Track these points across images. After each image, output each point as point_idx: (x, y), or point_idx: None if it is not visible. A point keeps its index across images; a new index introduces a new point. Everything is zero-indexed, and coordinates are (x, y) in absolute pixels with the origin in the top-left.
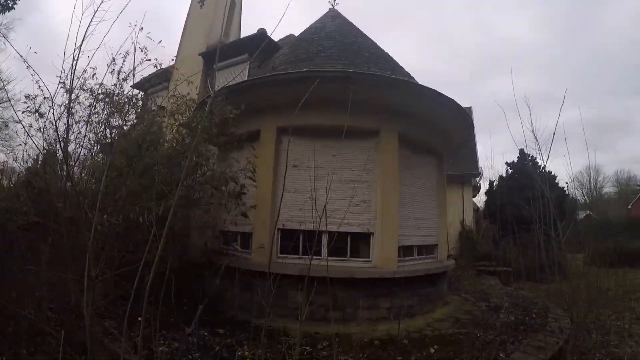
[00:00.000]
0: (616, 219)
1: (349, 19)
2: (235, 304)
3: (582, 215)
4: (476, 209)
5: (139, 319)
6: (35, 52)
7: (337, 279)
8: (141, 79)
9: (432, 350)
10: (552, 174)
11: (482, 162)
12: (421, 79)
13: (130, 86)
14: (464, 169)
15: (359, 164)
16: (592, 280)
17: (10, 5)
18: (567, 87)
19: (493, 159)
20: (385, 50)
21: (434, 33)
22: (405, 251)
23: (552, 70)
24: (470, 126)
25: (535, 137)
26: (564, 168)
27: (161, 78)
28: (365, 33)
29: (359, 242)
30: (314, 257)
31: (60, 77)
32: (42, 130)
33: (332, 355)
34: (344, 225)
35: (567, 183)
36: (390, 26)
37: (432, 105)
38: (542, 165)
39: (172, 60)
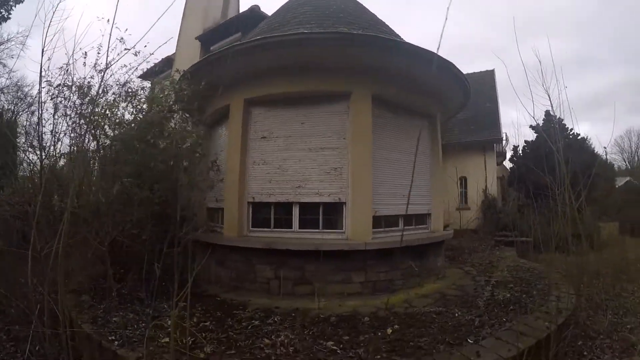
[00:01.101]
0: None
1: None
2: (211, 278)
3: (622, 181)
4: (501, 177)
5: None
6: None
7: (306, 251)
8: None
9: (390, 331)
10: (581, 137)
11: (509, 127)
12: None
13: (138, 77)
14: (486, 134)
15: (330, 130)
16: (618, 252)
17: (5, 16)
18: (607, 47)
19: (518, 123)
20: (376, 15)
21: None
22: (387, 221)
23: (591, 28)
24: (465, 86)
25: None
26: (604, 133)
27: (170, 64)
28: None
29: (333, 213)
30: (286, 229)
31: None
32: None
33: (276, 330)
34: (314, 195)
35: (605, 148)
36: None
37: (412, 62)
38: (571, 128)
39: None
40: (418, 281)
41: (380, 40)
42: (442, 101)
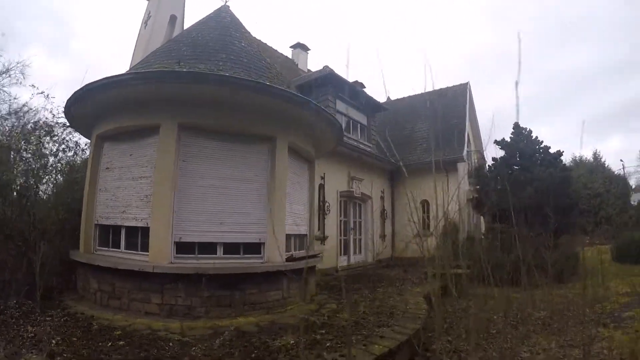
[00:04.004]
0: None
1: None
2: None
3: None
4: (472, 199)
5: None
6: None
7: (114, 269)
8: None
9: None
10: (551, 149)
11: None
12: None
13: None
14: (448, 153)
15: (145, 161)
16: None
17: None
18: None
19: (489, 138)
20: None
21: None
22: (202, 247)
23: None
24: (302, 102)
25: None
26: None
27: None
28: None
29: (146, 237)
30: (117, 250)
31: None
32: None
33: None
34: (133, 220)
35: (622, 161)
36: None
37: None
38: (542, 141)
39: None
40: (229, 313)
41: (179, 74)
42: (286, 124)
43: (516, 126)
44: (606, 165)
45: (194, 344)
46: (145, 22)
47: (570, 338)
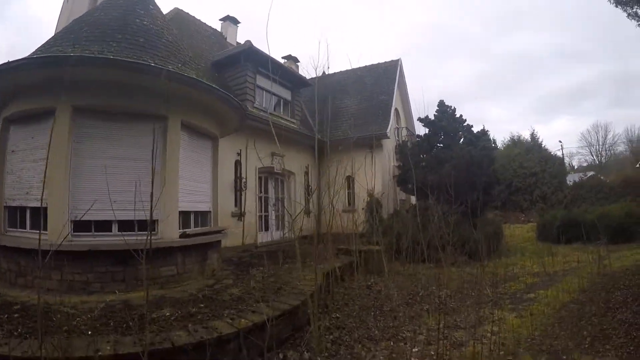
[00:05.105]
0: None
1: None
2: None
3: (587, 175)
4: (397, 175)
5: None
6: None
7: (24, 249)
8: None
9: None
10: (473, 127)
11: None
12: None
13: None
14: (373, 129)
15: (44, 143)
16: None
17: None
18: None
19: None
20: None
21: None
22: (98, 226)
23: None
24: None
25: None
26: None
27: None
28: None
29: (45, 217)
30: (23, 230)
31: None
32: None
33: None
34: (35, 201)
35: (560, 142)
36: None
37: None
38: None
39: None
40: (123, 287)
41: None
42: (178, 104)
43: (441, 104)
44: (543, 146)
45: (78, 316)
46: None
47: (461, 319)
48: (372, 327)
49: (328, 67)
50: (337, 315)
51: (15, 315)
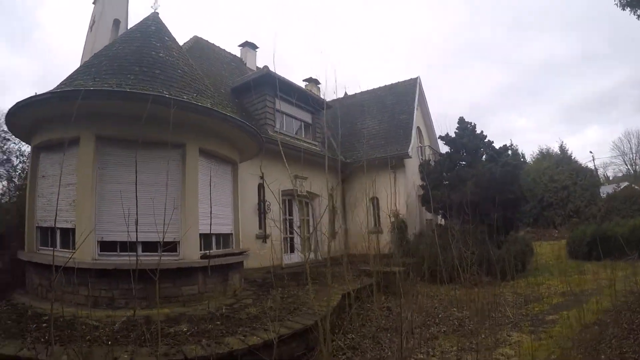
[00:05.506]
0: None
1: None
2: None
3: (621, 186)
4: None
5: None
6: None
7: (50, 265)
8: None
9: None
10: (503, 145)
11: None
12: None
13: None
14: (393, 149)
15: (71, 170)
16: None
17: None
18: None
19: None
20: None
21: None
22: (123, 246)
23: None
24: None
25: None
26: (603, 139)
27: None
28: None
29: (74, 237)
30: (53, 248)
31: None
32: None
33: None
34: (64, 222)
35: (591, 152)
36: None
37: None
38: (486, 135)
39: None
40: (146, 304)
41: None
42: (196, 132)
43: (461, 121)
44: (572, 157)
45: (102, 328)
46: (90, 27)
47: (478, 341)
48: (385, 348)
49: (346, 89)
50: (353, 336)
51: (44, 325)
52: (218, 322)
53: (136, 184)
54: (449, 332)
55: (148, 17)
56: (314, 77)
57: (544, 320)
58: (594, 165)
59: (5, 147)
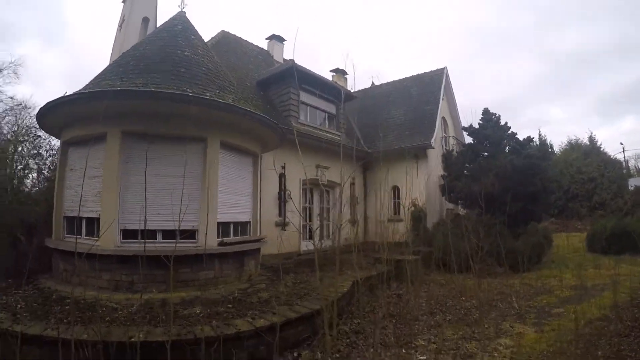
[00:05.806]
0: None
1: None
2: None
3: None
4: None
5: None
6: None
7: (74, 252)
8: None
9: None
10: (526, 137)
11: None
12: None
13: None
14: (417, 140)
15: (98, 163)
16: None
17: None
18: None
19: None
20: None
21: None
22: (148, 234)
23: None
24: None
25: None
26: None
27: None
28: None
29: (98, 225)
30: (77, 236)
31: None
32: None
33: None
34: (90, 212)
35: (622, 144)
36: None
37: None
38: (509, 127)
39: None
40: (165, 287)
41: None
42: (217, 127)
43: (485, 112)
44: (602, 149)
45: (121, 309)
46: (120, 26)
47: (480, 330)
48: (389, 333)
49: (373, 79)
50: (359, 321)
51: (67, 307)
52: (230, 305)
53: (145, 178)
54: (453, 321)
55: (175, 16)
56: (340, 67)
57: (550, 313)
58: (624, 157)
59: (36, 141)
